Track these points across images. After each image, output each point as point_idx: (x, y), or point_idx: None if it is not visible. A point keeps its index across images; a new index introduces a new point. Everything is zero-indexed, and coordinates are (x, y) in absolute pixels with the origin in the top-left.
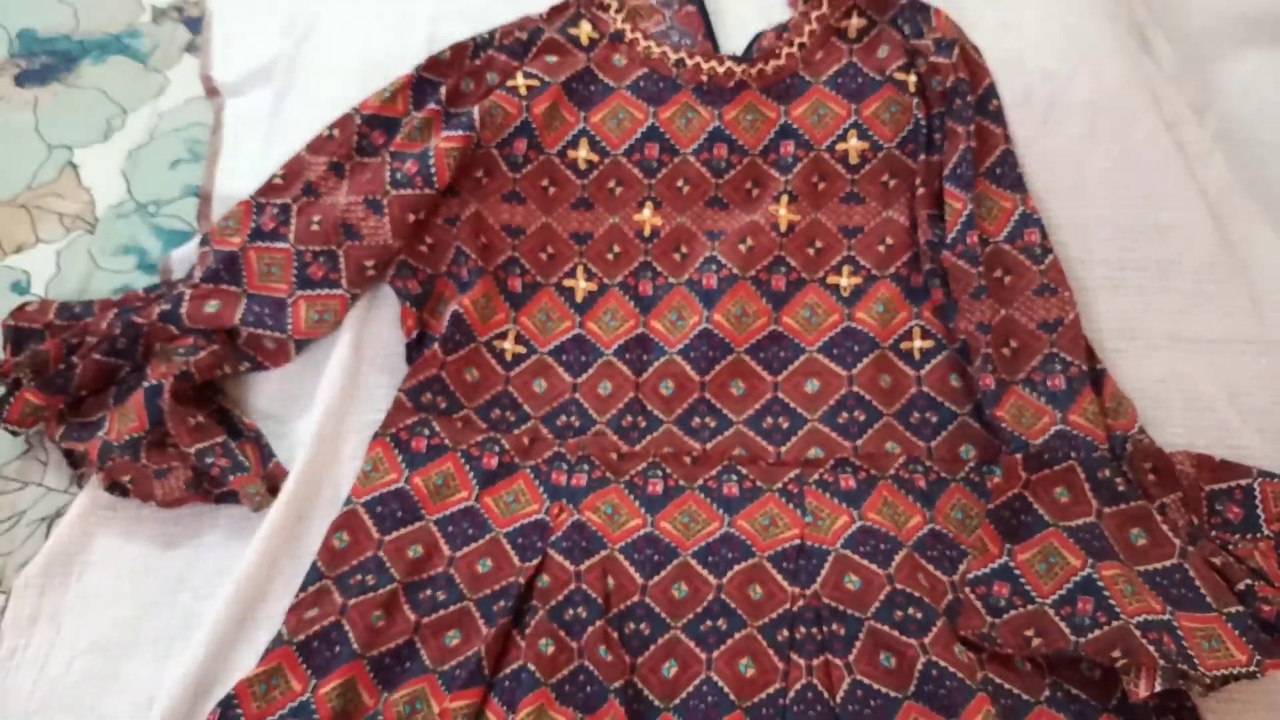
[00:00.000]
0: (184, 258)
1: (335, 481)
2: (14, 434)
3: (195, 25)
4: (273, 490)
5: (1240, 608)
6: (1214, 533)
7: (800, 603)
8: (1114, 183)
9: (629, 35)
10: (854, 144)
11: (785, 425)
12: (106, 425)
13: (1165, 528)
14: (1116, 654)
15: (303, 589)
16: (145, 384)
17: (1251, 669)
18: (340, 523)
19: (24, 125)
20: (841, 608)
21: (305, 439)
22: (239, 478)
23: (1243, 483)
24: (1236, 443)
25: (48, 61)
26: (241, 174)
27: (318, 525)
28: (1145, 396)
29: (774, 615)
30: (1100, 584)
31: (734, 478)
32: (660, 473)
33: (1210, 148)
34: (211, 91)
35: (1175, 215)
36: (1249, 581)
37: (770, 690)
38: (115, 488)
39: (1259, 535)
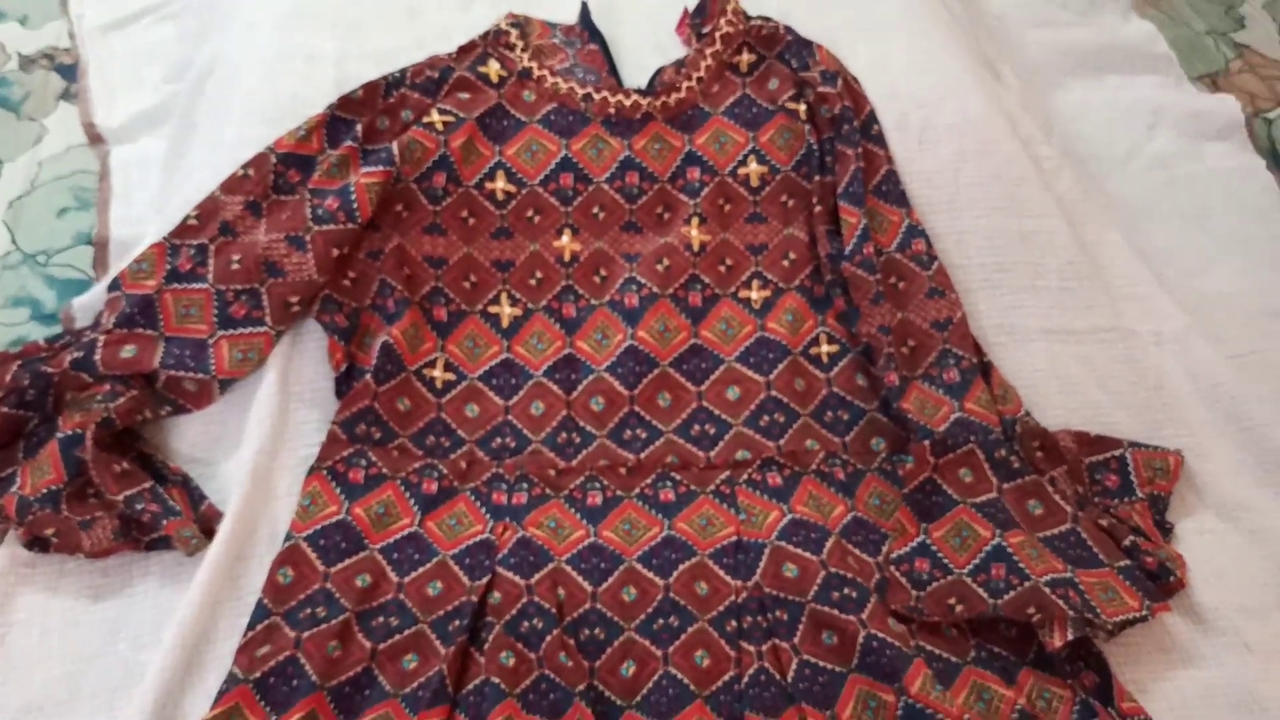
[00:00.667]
0: (87, 305)
1: (272, 519)
2: None
3: (68, 73)
4: (207, 532)
5: (1128, 561)
6: (1097, 499)
7: (744, 594)
8: (983, 196)
9: (536, 72)
10: (754, 168)
11: (712, 431)
12: (19, 480)
13: (1057, 497)
14: (1031, 610)
15: (250, 627)
16: (59, 435)
17: (1143, 613)
18: (283, 558)
19: None
20: (782, 595)
21: (238, 478)
22: (172, 522)
23: (1116, 453)
24: (1107, 419)
25: None
26: (135, 220)
27: (258, 564)
28: (1026, 384)
29: (721, 608)
30: (1009, 550)
31: (669, 484)
32: (598, 485)
33: (1060, 164)
34: (95, 139)
35: (1037, 223)
36: (1132, 538)
37: (726, 678)
38: (35, 543)
39: (1134, 498)
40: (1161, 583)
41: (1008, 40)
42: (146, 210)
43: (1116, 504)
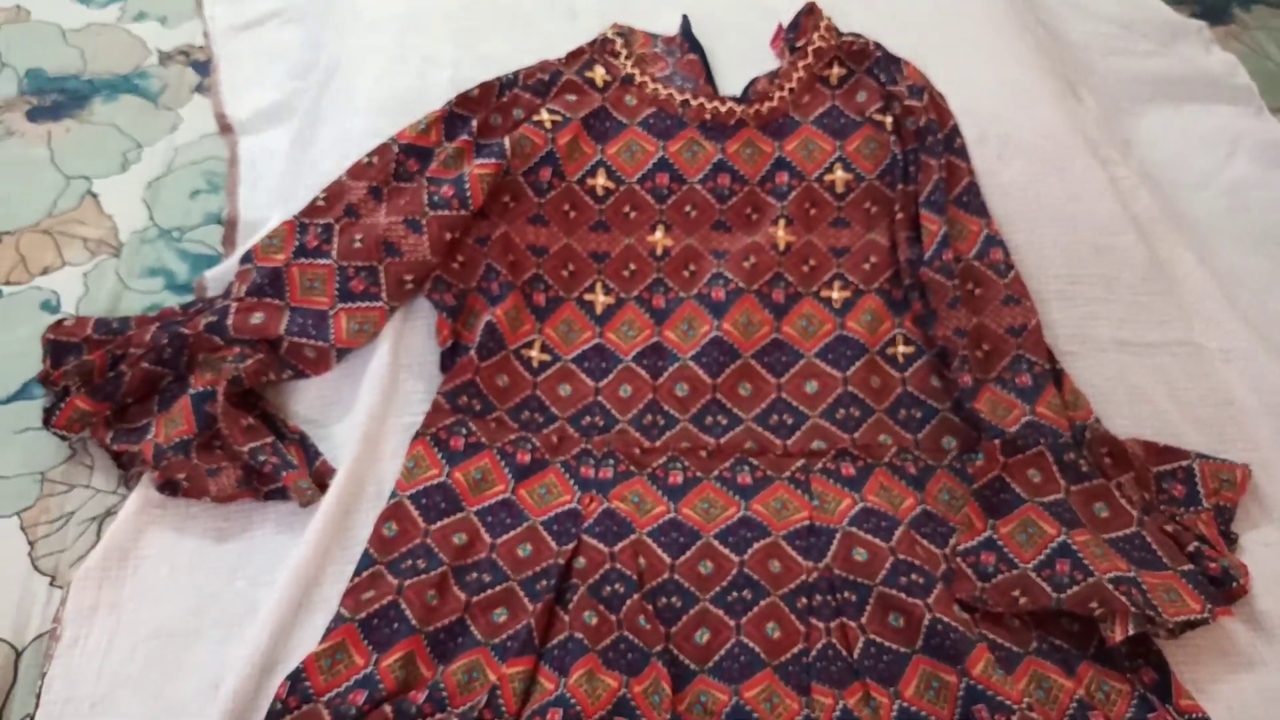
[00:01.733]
0: (218, 277)
1: (378, 478)
2: (63, 439)
3: (202, 68)
4: (320, 486)
5: (1191, 566)
6: (1163, 507)
7: (815, 574)
8: (1060, 211)
9: (638, 78)
10: (840, 175)
11: (790, 421)
12: (153, 430)
13: (1123, 502)
14: (1094, 605)
15: (357, 574)
16: (191, 391)
17: (1205, 615)
18: (388, 513)
19: (40, 157)
20: (852, 576)
21: (349, 439)
22: (290, 474)
23: (1184, 464)
24: (1175, 431)
25: (58, 99)
26: (260, 204)
27: (364, 518)
28: (1097, 392)
29: (792, 585)
30: (1074, 547)
31: (746, 468)
32: (680, 465)
33: (1136, 183)
34: (225, 128)
35: (1112, 239)
36: (1196, 545)
37: (795, 650)
38: (167, 486)
39: (1200, 508)
40: (1224, 588)
41: (1088, 67)
42: (270, 196)
43: (1182, 513)
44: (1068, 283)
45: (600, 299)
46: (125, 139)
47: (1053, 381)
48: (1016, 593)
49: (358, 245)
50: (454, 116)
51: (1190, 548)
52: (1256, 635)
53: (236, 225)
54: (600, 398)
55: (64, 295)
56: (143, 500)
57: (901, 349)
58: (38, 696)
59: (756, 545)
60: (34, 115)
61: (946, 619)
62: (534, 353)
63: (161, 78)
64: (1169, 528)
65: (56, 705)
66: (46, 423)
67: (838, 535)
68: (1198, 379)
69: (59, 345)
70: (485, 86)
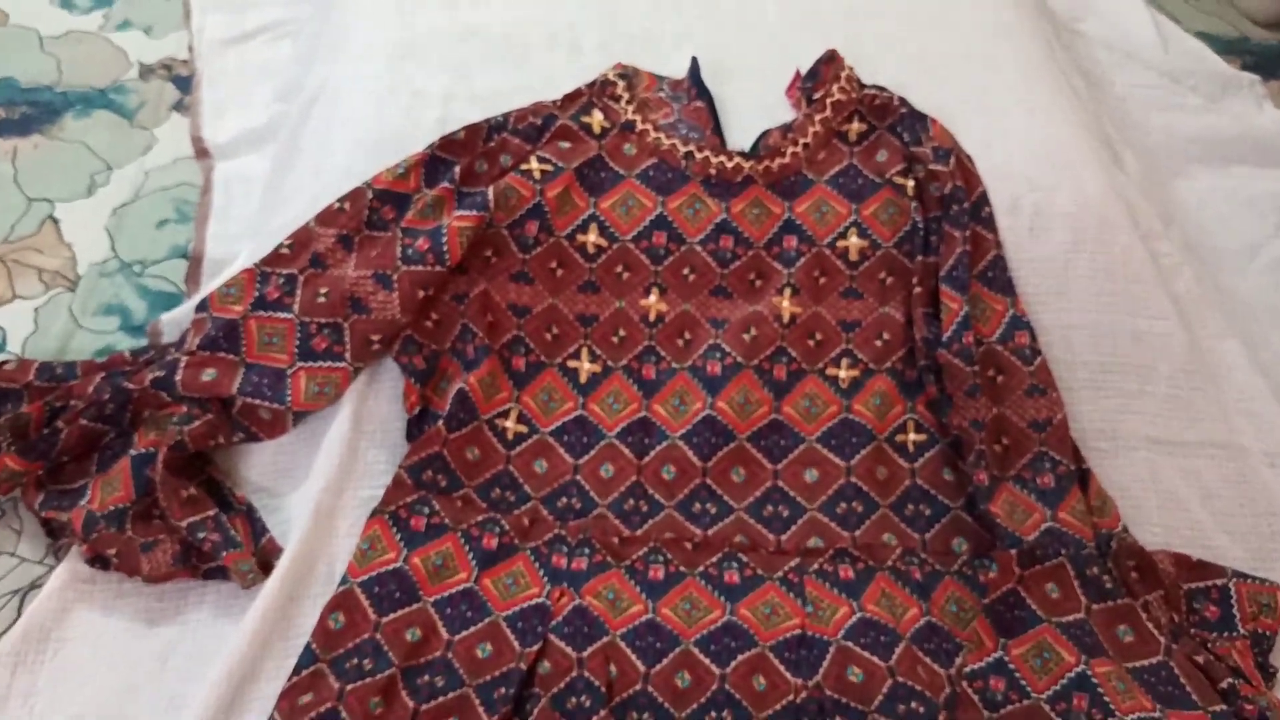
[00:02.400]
0: (174, 321)
1: (330, 558)
2: None
3: (184, 84)
4: (265, 567)
5: (1223, 707)
6: (1194, 630)
7: (803, 695)
8: (1095, 290)
9: (640, 126)
10: (854, 242)
11: (785, 514)
12: (89, 494)
13: (1150, 625)
14: None
15: (296, 672)
16: (132, 452)
17: None
18: (336, 603)
19: (2, 175)
20: (845, 700)
21: (301, 514)
22: (231, 554)
23: (1219, 582)
24: (1209, 543)
25: (28, 112)
26: (232, 237)
27: (311, 604)
28: (1125, 496)
29: (778, 707)
30: (1094, 680)
31: (735, 565)
32: (661, 558)
33: (1180, 260)
34: (202, 153)
35: (1152, 324)
36: (1231, 680)
37: None
38: (97, 560)
39: (1235, 634)
40: None
41: (1131, 124)
42: (242, 229)
43: (1215, 639)
44: (1099, 371)
45: (585, 366)
46: (95, 160)
47: (1077, 483)
48: None
49: (322, 300)
50: (436, 160)
51: (1224, 684)
52: None
53: (202, 262)
54: (579, 476)
55: (11, 332)
56: (70, 574)
57: (913, 436)
58: None
59: (741, 657)
60: (1, 129)
61: None
62: (509, 423)
63: (140, 93)
64: (1200, 658)
65: None
66: None
67: (831, 649)
68: (1238, 485)
69: None
70: (472, 129)
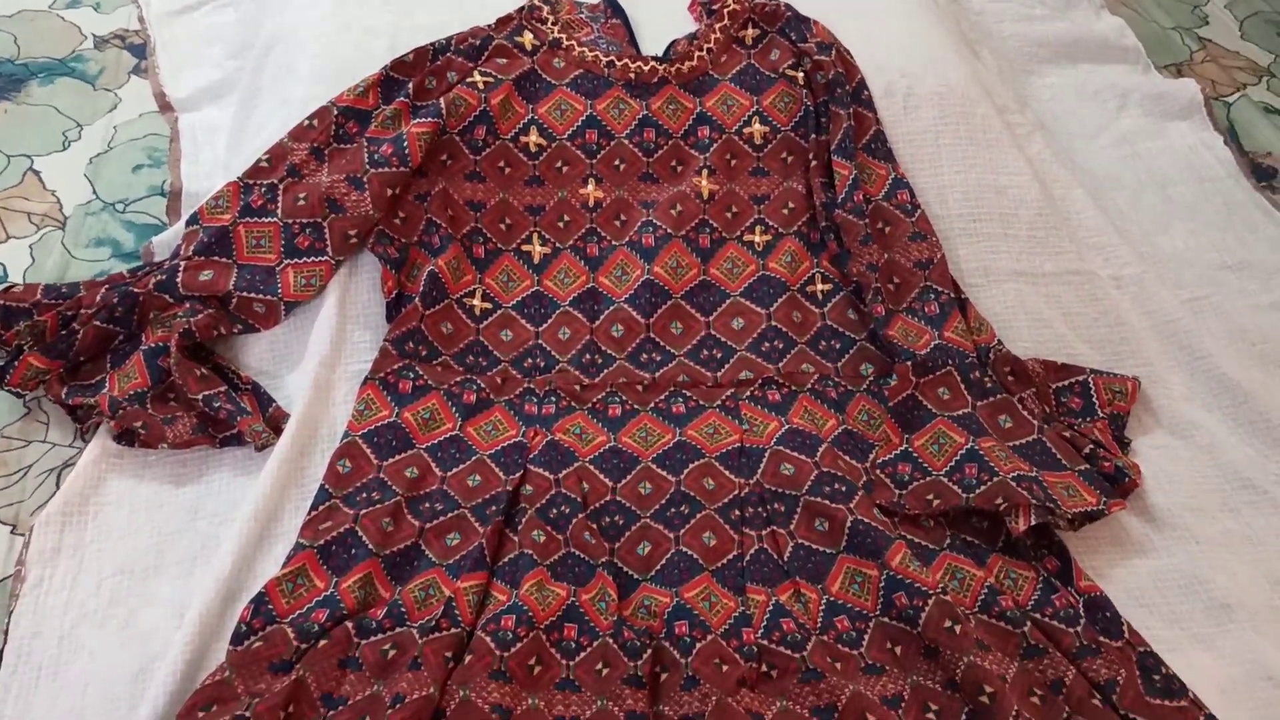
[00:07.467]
0: (165, 242)
1: (330, 421)
2: (18, 396)
3: (139, 51)
4: (275, 430)
5: (1087, 466)
6: (1062, 418)
7: (746, 489)
8: (961, 155)
9: (565, 42)
10: (757, 128)
11: (719, 355)
12: (108, 385)
13: (1025, 413)
14: (999, 501)
15: (314, 508)
16: (144, 347)
17: (1100, 508)
18: (342, 452)
19: None
20: (780, 489)
21: (300, 387)
22: (245, 419)
23: (1080, 378)
24: (1071, 351)
25: None
26: (204, 175)
27: (318, 459)
28: (999, 319)
29: (726, 499)
30: (981, 452)
31: (680, 399)
32: (618, 399)
33: (1031, 130)
34: (165, 107)
35: (1010, 179)
36: (1092, 447)
37: (730, 556)
38: (124, 436)
39: (1096, 417)
40: (1118, 484)
41: (987, 32)
42: (213, 167)
43: (1080, 422)
44: (970, 221)
45: (537, 249)
46: (65, 120)
47: (958, 309)
48: (930, 496)
49: (302, 203)
50: (390, 80)
51: (1086, 450)
52: (1148, 526)
53: (180, 196)
54: (541, 340)
55: (11, 267)
56: (100, 450)
57: (820, 286)
58: (4, 633)
59: (691, 466)
60: None
61: (867, 520)
62: (476, 301)
63: (98, 60)
64: (1067, 434)
65: (25, 640)
66: (0, 382)
67: (766, 454)
68: (1091, 303)
69: (8, 310)
70: (419, 51)
